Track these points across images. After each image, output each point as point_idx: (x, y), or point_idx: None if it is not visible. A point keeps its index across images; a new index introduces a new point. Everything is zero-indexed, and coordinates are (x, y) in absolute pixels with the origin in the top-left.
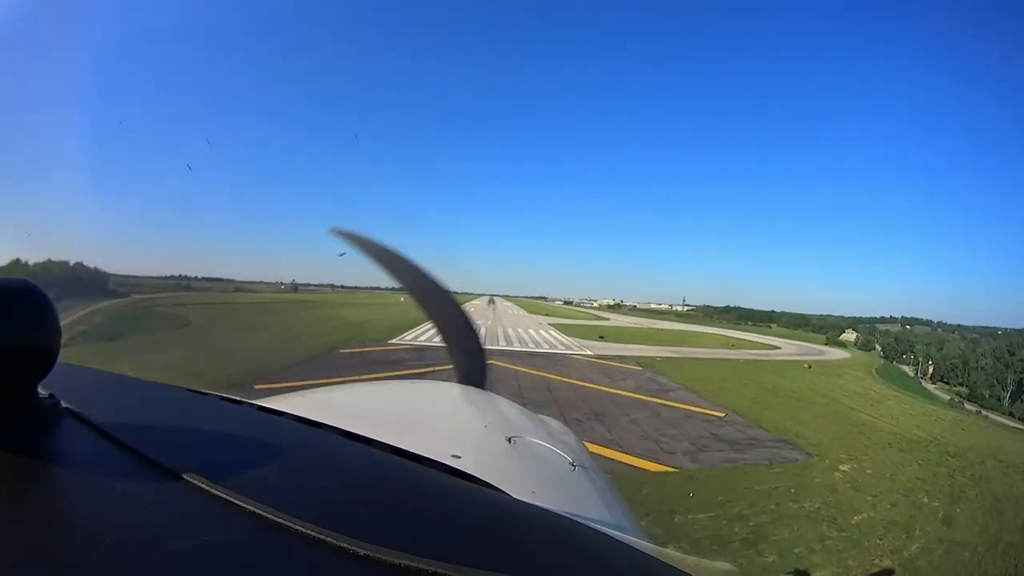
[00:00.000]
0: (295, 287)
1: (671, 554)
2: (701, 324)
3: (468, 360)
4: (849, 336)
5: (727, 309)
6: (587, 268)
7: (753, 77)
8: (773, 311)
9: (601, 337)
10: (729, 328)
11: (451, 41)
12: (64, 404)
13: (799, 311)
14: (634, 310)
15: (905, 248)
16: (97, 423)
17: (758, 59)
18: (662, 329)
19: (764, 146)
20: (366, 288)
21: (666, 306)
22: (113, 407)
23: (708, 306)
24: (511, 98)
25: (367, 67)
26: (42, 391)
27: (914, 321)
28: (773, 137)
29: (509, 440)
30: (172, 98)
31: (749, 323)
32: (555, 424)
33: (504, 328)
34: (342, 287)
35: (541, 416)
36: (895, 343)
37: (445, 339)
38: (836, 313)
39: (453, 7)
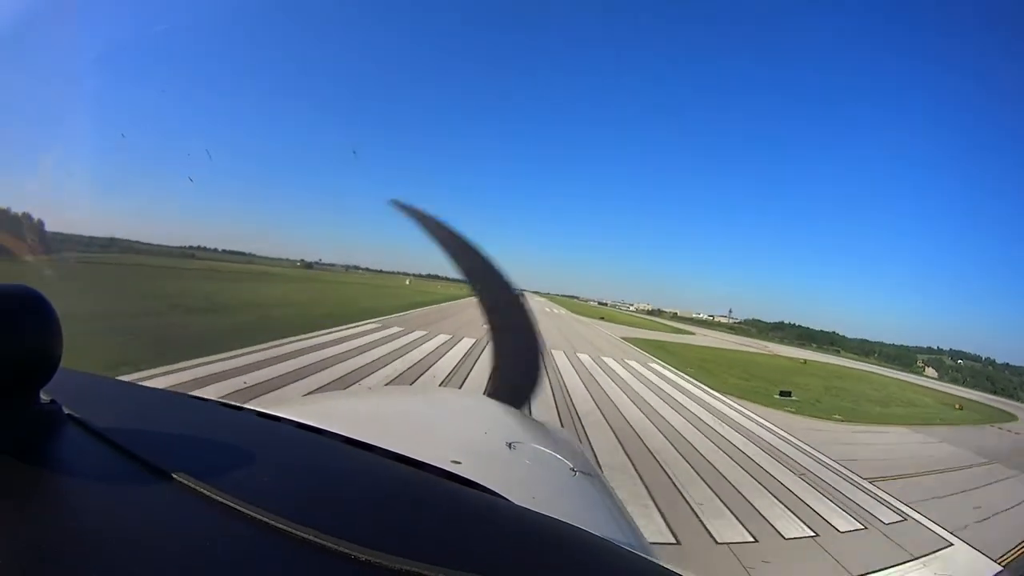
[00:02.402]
0: (310, 265)
1: (670, 564)
2: (776, 344)
3: (514, 375)
4: (931, 372)
5: (780, 325)
6: (612, 270)
7: (743, 82)
8: (835, 333)
9: (786, 395)
10: (794, 348)
11: (470, 36)
12: (66, 410)
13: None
14: (675, 318)
15: (923, 271)
16: (98, 428)
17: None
18: (803, 360)
19: (788, 151)
20: (395, 273)
21: (705, 315)
22: (114, 413)
23: (758, 320)
24: (534, 98)
25: (388, 60)
26: (44, 396)
27: (961, 355)
28: (790, 142)
29: (510, 446)
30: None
31: (813, 345)
32: (558, 430)
33: (548, 349)
34: (366, 269)
35: (543, 422)
36: (990, 384)
37: (495, 341)
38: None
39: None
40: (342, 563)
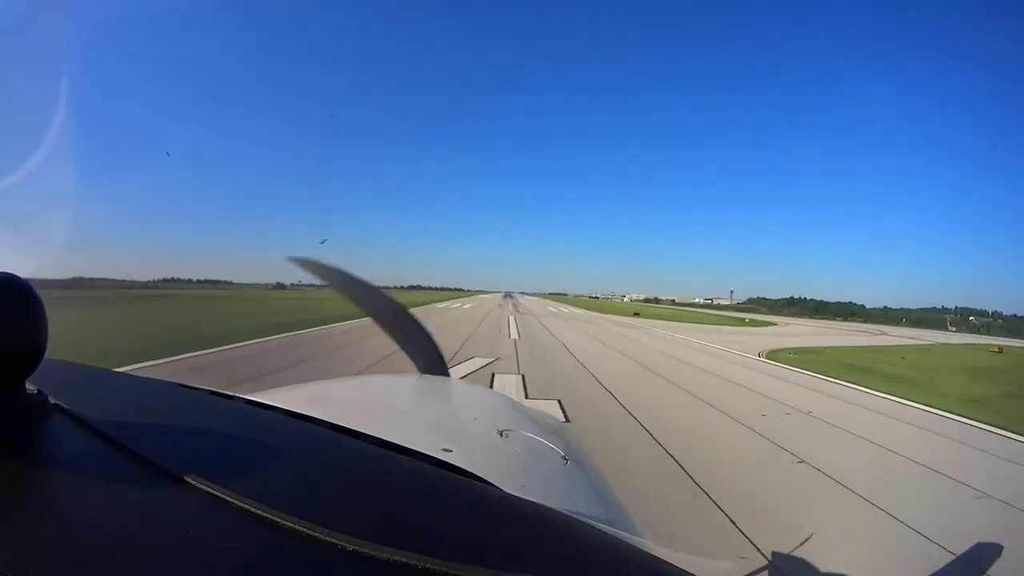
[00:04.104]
0: (282, 286)
1: (662, 550)
2: (824, 321)
3: (426, 351)
4: (963, 331)
5: (792, 301)
6: (594, 263)
7: (750, 69)
8: (852, 303)
9: None
10: (876, 325)
11: (455, 38)
12: (52, 400)
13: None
14: (674, 304)
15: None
16: (86, 419)
17: (744, 49)
18: (997, 348)
19: (765, 137)
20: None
21: (700, 300)
22: (102, 403)
23: (762, 298)
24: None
25: (367, 63)
26: (30, 387)
27: (970, 311)
28: (773, 127)
29: (501, 434)
30: (160, 93)
31: (838, 318)
32: (549, 418)
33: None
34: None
35: (534, 409)
36: None
37: (398, 340)
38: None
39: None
40: (330, 553)
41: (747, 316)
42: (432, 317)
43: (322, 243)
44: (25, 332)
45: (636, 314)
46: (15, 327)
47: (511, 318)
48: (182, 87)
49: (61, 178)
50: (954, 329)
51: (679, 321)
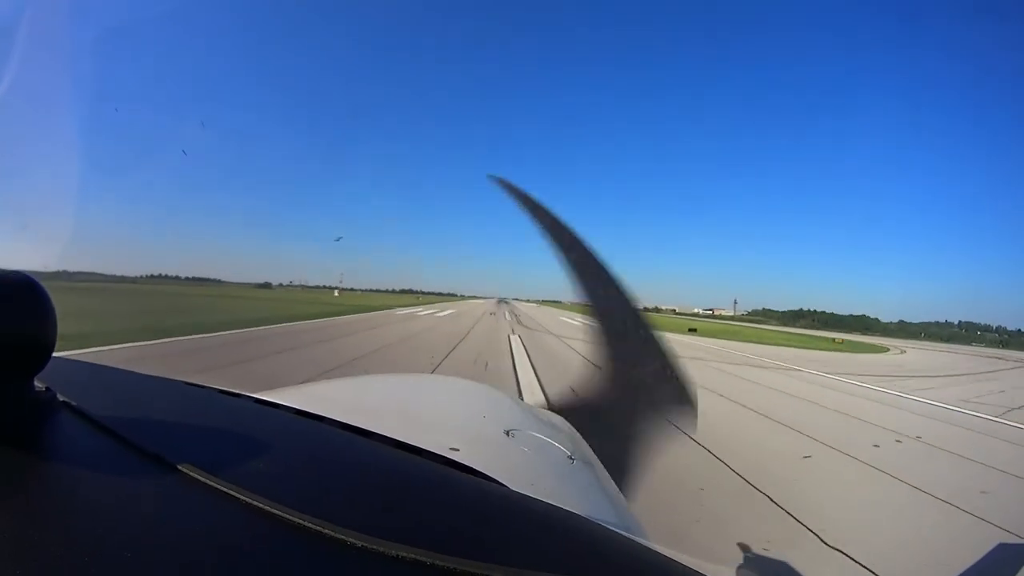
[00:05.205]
0: (268, 285)
1: (667, 549)
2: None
3: (672, 382)
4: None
5: (800, 313)
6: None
7: (750, 71)
8: (865, 316)
9: None
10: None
11: (455, 38)
12: (60, 397)
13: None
14: (675, 314)
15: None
16: (94, 416)
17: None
18: None
19: (764, 142)
20: (357, 289)
21: (700, 310)
22: (110, 400)
23: (769, 309)
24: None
25: (367, 66)
26: (38, 384)
27: (971, 326)
28: (763, 130)
29: (507, 433)
30: (164, 97)
31: (854, 332)
32: (555, 418)
33: None
34: (329, 287)
35: (540, 409)
36: None
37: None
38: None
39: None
40: (340, 549)
41: (836, 336)
42: (374, 337)
43: (337, 240)
44: (35, 330)
45: (692, 330)
46: (25, 325)
47: (514, 340)
48: (180, 89)
49: (65, 177)
50: (981, 345)
51: (755, 343)
